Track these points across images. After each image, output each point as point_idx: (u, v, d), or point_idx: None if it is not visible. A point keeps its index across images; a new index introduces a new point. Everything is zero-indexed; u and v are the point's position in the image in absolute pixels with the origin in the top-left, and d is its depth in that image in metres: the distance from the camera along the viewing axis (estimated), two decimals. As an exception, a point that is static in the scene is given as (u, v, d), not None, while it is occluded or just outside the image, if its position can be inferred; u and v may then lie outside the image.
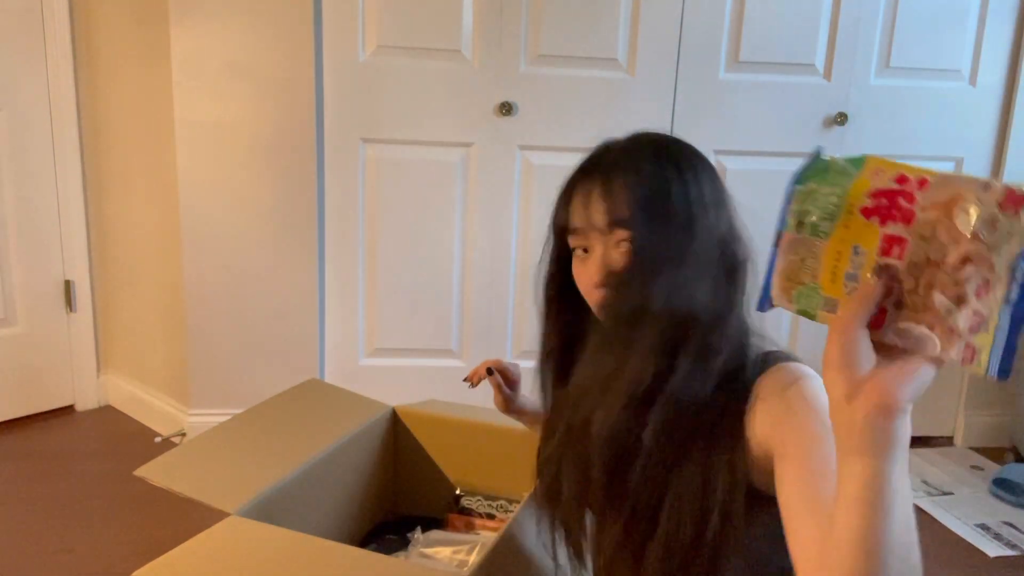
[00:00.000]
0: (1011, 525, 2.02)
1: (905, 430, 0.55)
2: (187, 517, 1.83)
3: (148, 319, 2.37)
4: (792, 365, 0.80)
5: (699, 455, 0.80)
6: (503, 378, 1.13)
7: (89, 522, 1.87)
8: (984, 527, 2.01)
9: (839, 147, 2.23)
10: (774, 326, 2.25)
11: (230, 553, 0.94)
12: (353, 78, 2.11)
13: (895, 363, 0.55)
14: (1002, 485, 2.17)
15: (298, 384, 1.45)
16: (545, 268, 0.93)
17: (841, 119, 2.21)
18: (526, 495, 1.09)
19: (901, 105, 2.24)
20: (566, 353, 0.94)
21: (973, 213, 0.52)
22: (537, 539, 1.02)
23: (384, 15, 2.08)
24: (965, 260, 0.52)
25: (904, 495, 0.56)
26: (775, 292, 0.63)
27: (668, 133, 0.89)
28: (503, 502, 1.38)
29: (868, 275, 0.57)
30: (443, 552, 1.20)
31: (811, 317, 0.61)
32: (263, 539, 0.97)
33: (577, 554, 0.98)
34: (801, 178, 0.61)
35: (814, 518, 0.64)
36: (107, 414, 2.49)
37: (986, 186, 0.52)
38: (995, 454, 2.42)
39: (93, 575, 1.68)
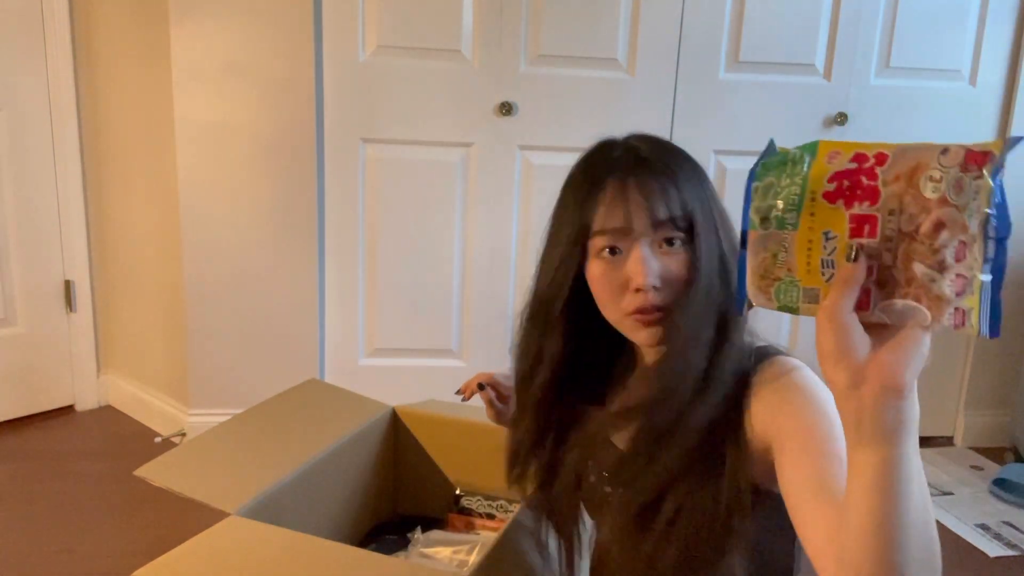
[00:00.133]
0: (1011, 525, 2.03)
1: (914, 409, 0.54)
2: (187, 517, 1.83)
3: (148, 319, 2.37)
4: (782, 358, 0.81)
5: (704, 453, 0.80)
6: (496, 392, 1.13)
7: (89, 522, 1.87)
8: (984, 527, 2.01)
9: (839, 147, 2.22)
10: (775, 327, 2.25)
11: (230, 553, 0.94)
12: (353, 78, 2.11)
13: (891, 341, 0.54)
14: (1002, 485, 2.17)
15: (298, 384, 1.45)
16: (562, 281, 0.85)
17: (841, 119, 2.21)
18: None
19: (901, 105, 2.24)
20: (566, 368, 0.91)
21: (938, 178, 0.52)
22: (536, 539, 1.02)
23: (384, 15, 2.08)
24: (938, 226, 0.52)
25: (920, 475, 0.55)
26: (752, 292, 0.62)
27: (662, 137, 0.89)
28: (503, 502, 1.38)
29: (844, 259, 0.56)
30: (443, 552, 1.20)
31: (793, 311, 0.60)
32: (263, 539, 0.97)
33: (568, 557, 0.98)
34: (758, 174, 0.61)
35: (821, 503, 0.64)
36: (107, 414, 2.49)
37: (944, 150, 0.52)
38: (995, 454, 2.42)
39: (93, 575, 1.68)
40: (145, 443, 2.28)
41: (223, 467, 1.16)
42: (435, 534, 1.28)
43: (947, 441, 2.49)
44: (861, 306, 0.56)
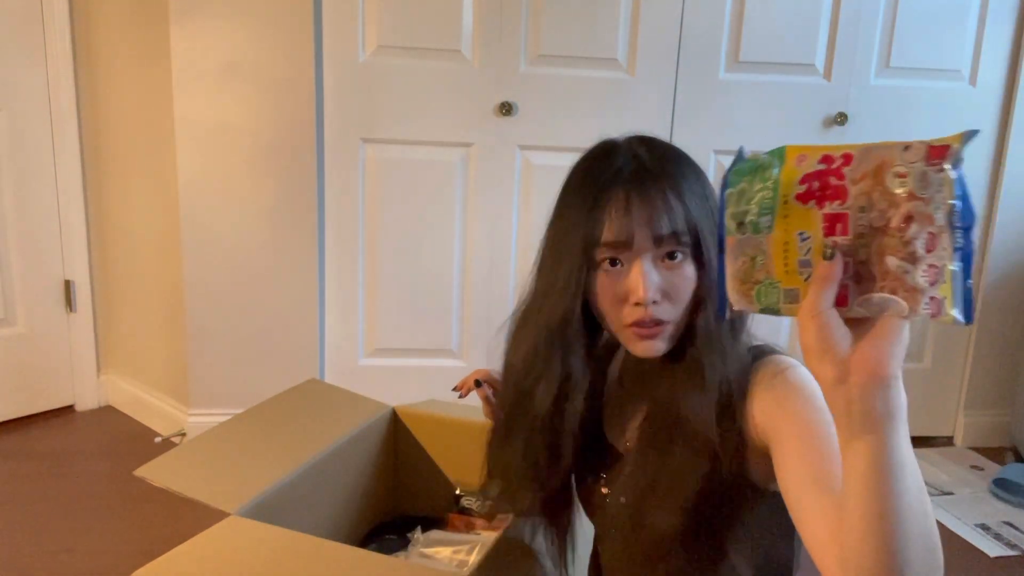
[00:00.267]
0: (1011, 525, 2.02)
1: (901, 399, 0.55)
2: (187, 517, 1.83)
3: (148, 319, 2.37)
4: (778, 357, 0.82)
5: (703, 453, 0.80)
6: (492, 389, 1.13)
7: (89, 522, 1.87)
8: (984, 527, 2.01)
9: (839, 147, 2.22)
10: (776, 327, 2.25)
11: (230, 553, 0.94)
12: (353, 78, 2.11)
13: (871, 333, 0.55)
14: (1002, 485, 2.17)
15: (298, 384, 1.45)
16: (574, 297, 0.83)
17: (841, 119, 2.21)
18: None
19: (901, 105, 2.24)
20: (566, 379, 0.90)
21: (903, 174, 0.54)
22: (536, 539, 1.02)
23: (384, 15, 2.08)
24: (907, 220, 0.54)
25: (912, 463, 0.56)
26: (733, 296, 0.64)
27: (663, 138, 0.88)
28: (503, 502, 1.38)
29: (820, 258, 0.58)
30: (443, 552, 1.20)
31: (776, 312, 0.62)
32: (263, 539, 0.97)
33: (563, 557, 0.98)
34: (730, 181, 0.63)
35: (821, 500, 0.64)
36: (107, 414, 2.49)
37: (907, 147, 0.54)
38: (995, 454, 2.42)
39: (93, 575, 1.68)
40: (145, 443, 2.28)
41: (223, 467, 1.16)
42: (435, 534, 1.28)
43: (947, 441, 2.49)
44: (840, 302, 0.57)
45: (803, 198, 0.58)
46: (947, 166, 0.52)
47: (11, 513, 1.90)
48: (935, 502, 2.12)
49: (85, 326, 2.47)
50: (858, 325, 0.57)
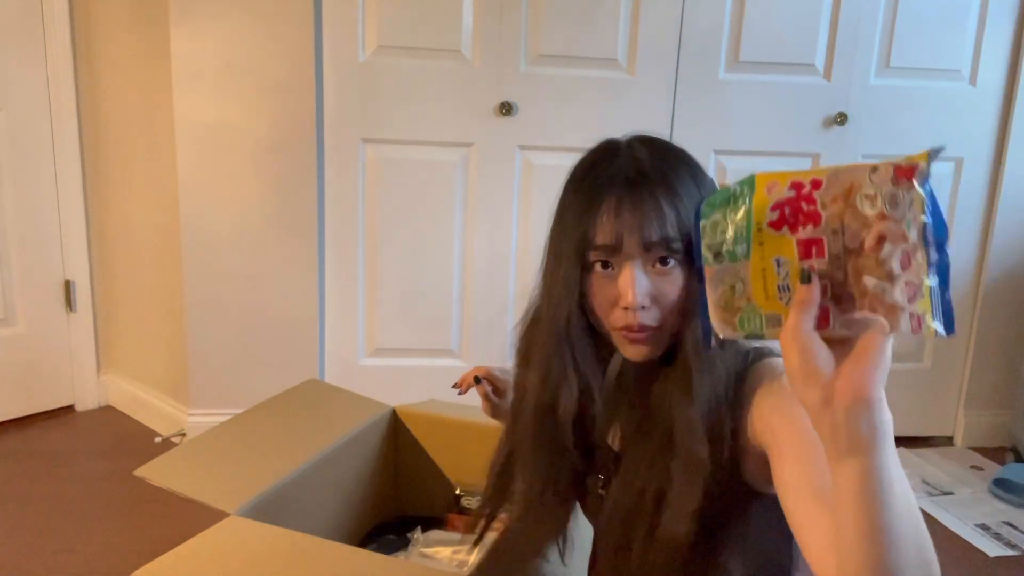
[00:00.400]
0: (1011, 525, 2.03)
1: (887, 418, 0.55)
2: (187, 517, 1.83)
3: (148, 319, 2.37)
4: (776, 360, 0.81)
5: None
6: (492, 386, 1.13)
7: (89, 522, 1.87)
8: (984, 527, 2.01)
9: (839, 147, 2.23)
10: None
11: (230, 553, 0.94)
12: (353, 78, 2.11)
13: (854, 354, 0.56)
14: (1002, 485, 2.17)
15: (298, 384, 1.45)
16: (572, 299, 0.83)
17: (841, 119, 2.21)
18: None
19: (901, 105, 2.24)
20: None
21: (872, 195, 0.55)
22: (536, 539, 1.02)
23: (384, 15, 2.08)
24: (881, 239, 0.55)
25: (901, 482, 0.56)
26: (717, 325, 0.65)
27: (665, 138, 0.87)
28: (503, 502, 1.38)
29: (798, 282, 0.58)
30: (443, 552, 1.20)
31: (760, 337, 0.63)
32: (263, 539, 0.97)
33: (561, 555, 0.98)
34: (704, 212, 0.64)
35: (819, 509, 0.64)
36: (107, 414, 2.49)
37: (874, 169, 0.55)
38: (995, 454, 2.42)
39: (93, 575, 1.68)
40: (145, 443, 2.28)
41: (223, 467, 1.16)
42: (435, 534, 1.28)
43: (947, 441, 2.49)
44: (822, 324, 0.58)
45: (776, 225, 0.60)
46: (916, 184, 0.53)
47: (11, 513, 1.90)
48: (935, 502, 2.12)
49: (85, 326, 2.47)
50: (841, 346, 0.57)
